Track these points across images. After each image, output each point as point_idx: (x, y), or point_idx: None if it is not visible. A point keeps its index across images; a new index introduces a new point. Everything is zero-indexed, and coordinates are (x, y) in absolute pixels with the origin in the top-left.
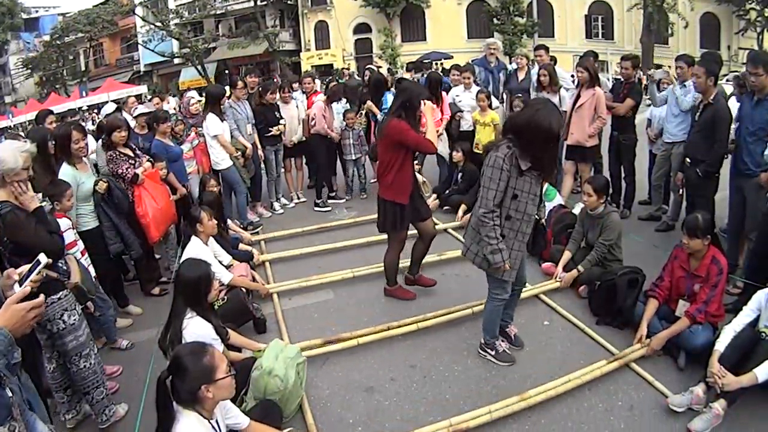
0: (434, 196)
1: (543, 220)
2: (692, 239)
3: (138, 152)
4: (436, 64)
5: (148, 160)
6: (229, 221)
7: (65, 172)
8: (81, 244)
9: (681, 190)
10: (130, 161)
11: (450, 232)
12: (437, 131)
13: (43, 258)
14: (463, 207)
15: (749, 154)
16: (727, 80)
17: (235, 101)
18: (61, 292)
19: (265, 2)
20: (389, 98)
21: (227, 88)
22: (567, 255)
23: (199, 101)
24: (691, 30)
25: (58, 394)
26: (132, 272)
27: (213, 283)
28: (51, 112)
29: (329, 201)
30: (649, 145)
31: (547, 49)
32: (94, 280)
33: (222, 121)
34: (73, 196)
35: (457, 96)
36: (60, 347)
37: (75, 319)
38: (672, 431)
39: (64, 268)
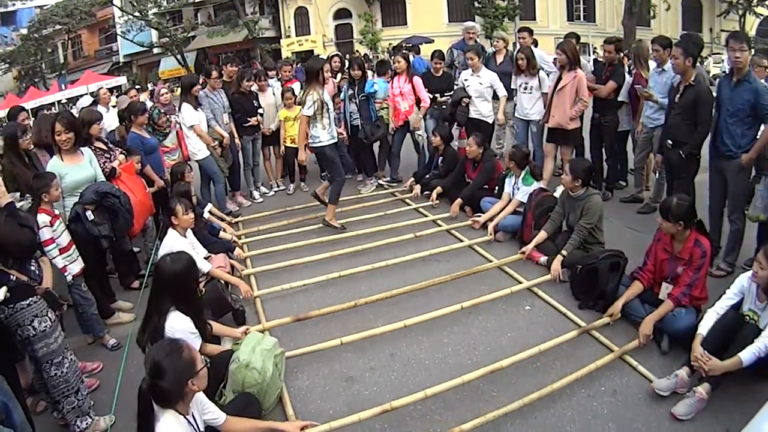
0: (411, 180)
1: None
2: (664, 221)
3: (110, 145)
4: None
5: (121, 153)
6: (212, 207)
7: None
8: (63, 241)
9: (656, 173)
10: (105, 155)
11: (421, 211)
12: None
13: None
14: (438, 189)
15: (730, 136)
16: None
17: (211, 91)
18: (30, 298)
19: None
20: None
21: (200, 77)
22: (542, 235)
23: (171, 92)
24: (673, 12)
25: (42, 393)
26: (111, 266)
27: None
28: (23, 109)
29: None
30: None
31: (531, 31)
32: (73, 277)
33: (196, 110)
34: (59, 187)
35: (465, 80)
36: (31, 353)
37: (46, 326)
38: (656, 415)
39: (36, 272)
